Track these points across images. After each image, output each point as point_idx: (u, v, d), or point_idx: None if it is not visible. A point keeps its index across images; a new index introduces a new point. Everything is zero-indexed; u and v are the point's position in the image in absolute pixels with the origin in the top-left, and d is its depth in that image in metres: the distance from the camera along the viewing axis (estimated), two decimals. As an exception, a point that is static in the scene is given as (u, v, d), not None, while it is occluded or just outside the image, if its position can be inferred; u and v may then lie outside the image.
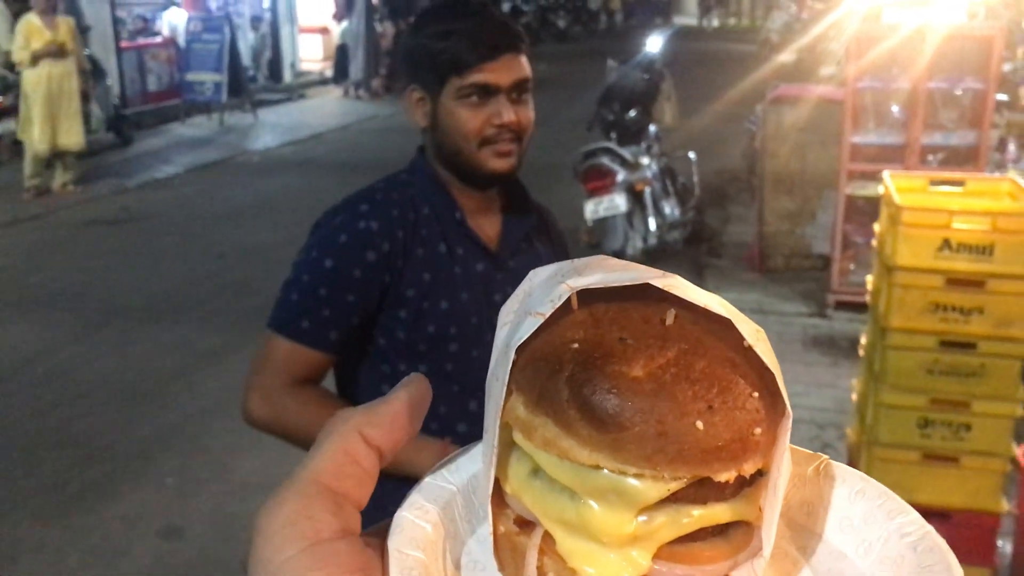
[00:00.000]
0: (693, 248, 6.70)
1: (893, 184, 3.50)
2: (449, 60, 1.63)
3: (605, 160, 6.16)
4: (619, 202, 6.00)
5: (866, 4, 5.60)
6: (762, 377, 0.39)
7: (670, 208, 6.56)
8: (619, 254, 5.97)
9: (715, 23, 23.56)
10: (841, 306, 5.38)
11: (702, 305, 0.38)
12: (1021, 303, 3.17)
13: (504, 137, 1.65)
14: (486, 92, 1.63)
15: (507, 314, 0.43)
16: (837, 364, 3.86)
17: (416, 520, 0.42)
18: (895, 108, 5.48)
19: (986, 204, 3.35)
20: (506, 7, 20.50)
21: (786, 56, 8.04)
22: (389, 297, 1.65)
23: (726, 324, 0.39)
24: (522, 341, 0.39)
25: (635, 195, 6.21)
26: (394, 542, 0.41)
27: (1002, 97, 5.57)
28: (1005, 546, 3.27)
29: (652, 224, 6.32)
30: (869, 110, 5.51)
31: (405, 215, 1.69)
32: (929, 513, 0.47)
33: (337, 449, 0.41)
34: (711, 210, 7.35)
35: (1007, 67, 5.64)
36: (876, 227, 3.56)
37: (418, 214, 1.70)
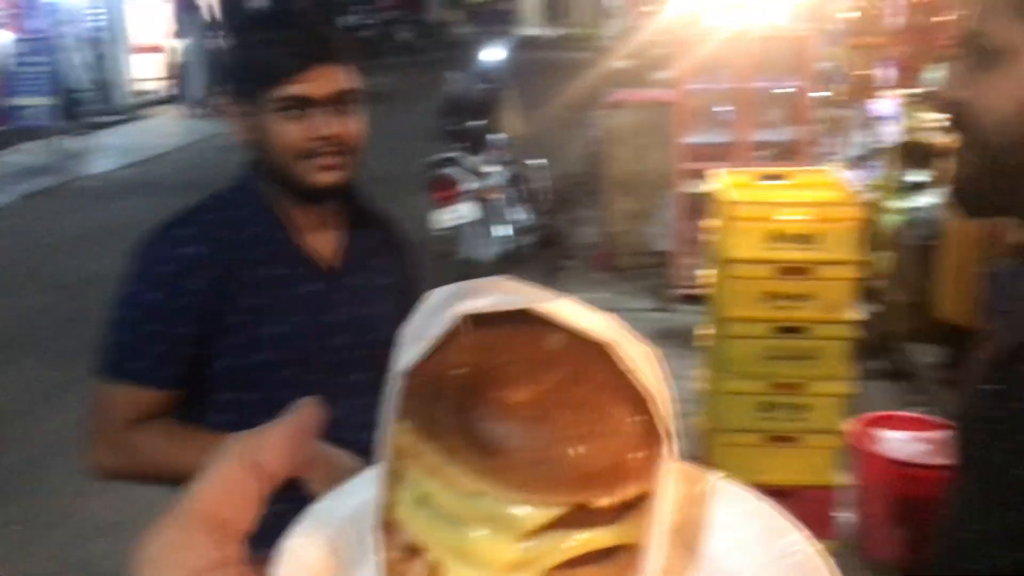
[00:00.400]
0: (546, 252, 6.82)
1: (723, 181, 3.66)
2: (263, 72, 1.57)
3: (450, 170, 6.20)
4: (466, 211, 6.05)
5: (688, 8, 5.85)
6: (644, 401, 0.39)
7: (521, 214, 6.66)
8: (471, 262, 6.02)
9: (557, 32, 24.02)
10: (684, 299, 5.59)
11: (584, 327, 0.39)
12: (844, 287, 3.37)
13: (327, 150, 1.59)
14: (304, 104, 1.57)
15: (402, 337, 0.43)
16: (683, 355, 4.01)
17: (302, 548, 0.42)
18: (723, 108, 5.74)
19: (809, 195, 3.54)
20: (350, 20, 20.31)
21: (622, 62, 8.30)
22: (221, 324, 1.60)
23: (607, 348, 0.39)
24: (410, 367, 0.39)
25: (485, 203, 6.28)
26: (277, 571, 0.40)
27: (822, 94, 5.90)
28: (845, 517, 3.47)
29: (503, 231, 6.40)
30: (699, 111, 5.75)
31: (231, 237, 1.62)
32: (772, 491, 0.48)
33: (220, 476, 0.41)
34: (562, 214, 7.50)
35: (824, 65, 5.98)
36: (709, 223, 3.72)
37: (243, 235, 1.64)
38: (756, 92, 5.66)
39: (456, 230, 6.13)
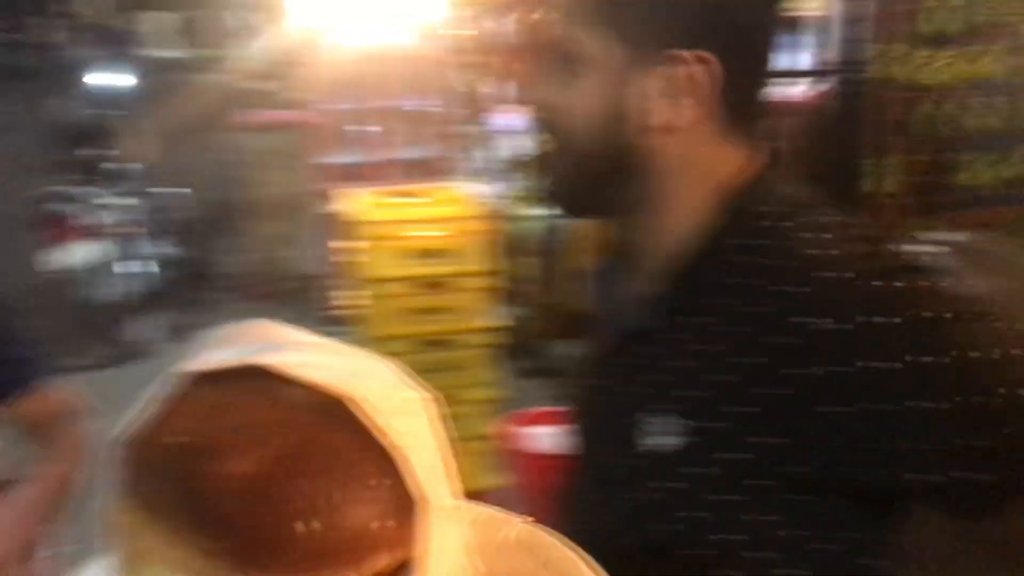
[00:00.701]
0: (193, 285, 6.47)
1: (359, 201, 3.67)
2: None
3: (63, 205, 5.68)
4: (85, 250, 5.58)
5: (318, 26, 5.80)
6: (383, 461, 0.35)
7: (162, 248, 6.26)
8: (95, 305, 5.54)
9: (192, 53, 23.03)
10: (332, 321, 5.55)
11: (321, 384, 0.34)
12: (481, 297, 3.49)
13: None
14: None
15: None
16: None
17: None
18: (359, 127, 5.76)
19: (440, 211, 3.64)
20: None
21: (259, 83, 8.10)
22: None
23: (345, 402, 0.34)
24: (130, 435, 0.34)
25: (113, 239, 5.82)
26: None
27: (454, 111, 6.09)
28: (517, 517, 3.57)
29: (135, 267, 5.98)
30: (335, 131, 5.73)
31: None
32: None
33: None
34: (208, 244, 7.17)
35: (455, 83, 6.19)
36: (349, 244, 3.70)
37: None
38: (391, 111, 5.74)
39: (74, 271, 5.61)
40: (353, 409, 0.35)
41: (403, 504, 0.35)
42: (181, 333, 5.23)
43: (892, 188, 1.98)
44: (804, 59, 2.38)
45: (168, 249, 6.32)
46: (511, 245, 4.61)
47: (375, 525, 0.34)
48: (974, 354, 0.72)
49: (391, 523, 0.35)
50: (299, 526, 0.33)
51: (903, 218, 2.04)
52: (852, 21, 2.11)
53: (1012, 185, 2.08)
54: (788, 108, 2.34)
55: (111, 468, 0.35)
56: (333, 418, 0.35)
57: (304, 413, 0.35)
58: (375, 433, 0.35)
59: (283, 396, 0.35)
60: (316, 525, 0.33)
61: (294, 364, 0.34)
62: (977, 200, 2.06)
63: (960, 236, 1.90)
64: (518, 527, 0.45)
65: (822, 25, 2.28)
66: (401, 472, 0.35)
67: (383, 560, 0.35)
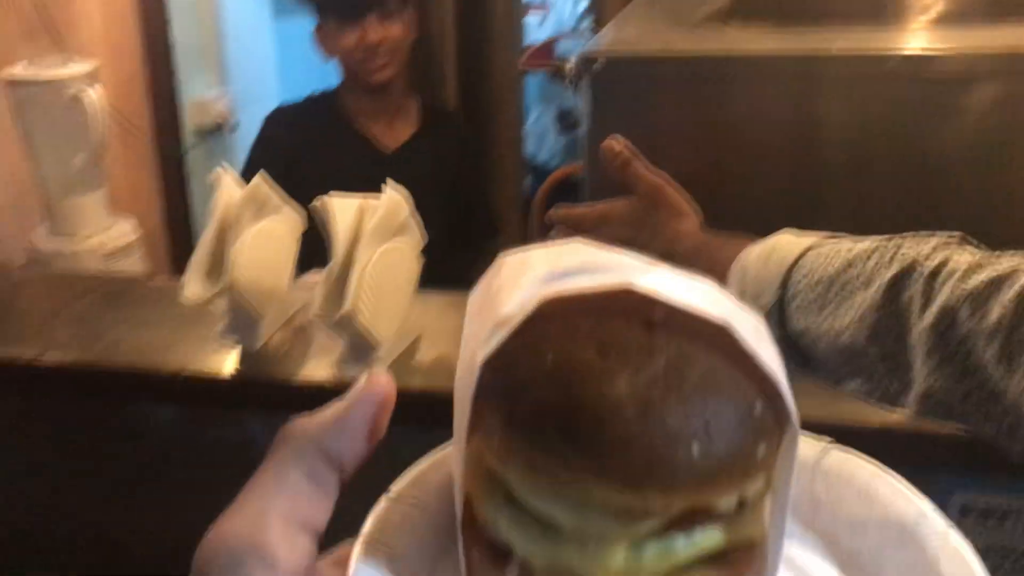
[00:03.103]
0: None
1: None
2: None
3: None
4: None
5: None
6: (762, 386, 0.34)
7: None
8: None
9: None
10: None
11: (694, 307, 0.33)
12: None
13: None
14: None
15: (476, 302, 0.38)
16: None
17: (378, 547, 0.38)
18: None
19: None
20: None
21: None
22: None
23: (717, 327, 0.33)
24: (489, 354, 0.33)
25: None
26: (354, 569, 0.36)
27: None
28: None
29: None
30: None
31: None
32: None
33: (293, 473, 0.36)
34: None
35: None
36: None
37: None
38: None
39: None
40: (729, 336, 0.33)
41: (773, 429, 0.35)
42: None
43: None
44: None
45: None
46: None
47: (754, 449, 0.34)
48: None
49: (765, 448, 0.34)
50: (689, 448, 0.32)
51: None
52: None
53: None
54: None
55: (468, 383, 0.35)
56: (704, 341, 0.34)
57: (670, 335, 0.34)
58: (752, 358, 0.34)
59: (653, 318, 0.35)
60: (703, 447, 0.32)
61: (661, 288, 0.34)
62: None
63: None
64: (825, 449, 0.44)
65: None
66: (773, 395, 0.34)
67: (755, 485, 0.35)
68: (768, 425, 0.34)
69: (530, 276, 0.36)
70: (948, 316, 0.74)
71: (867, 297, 0.81)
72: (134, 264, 2.54)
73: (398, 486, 0.42)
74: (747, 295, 0.96)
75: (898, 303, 0.79)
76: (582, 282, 0.35)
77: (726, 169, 1.34)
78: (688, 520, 0.34)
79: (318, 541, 0.37)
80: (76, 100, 2.29)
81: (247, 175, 1.78)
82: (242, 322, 1.25)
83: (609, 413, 0.32)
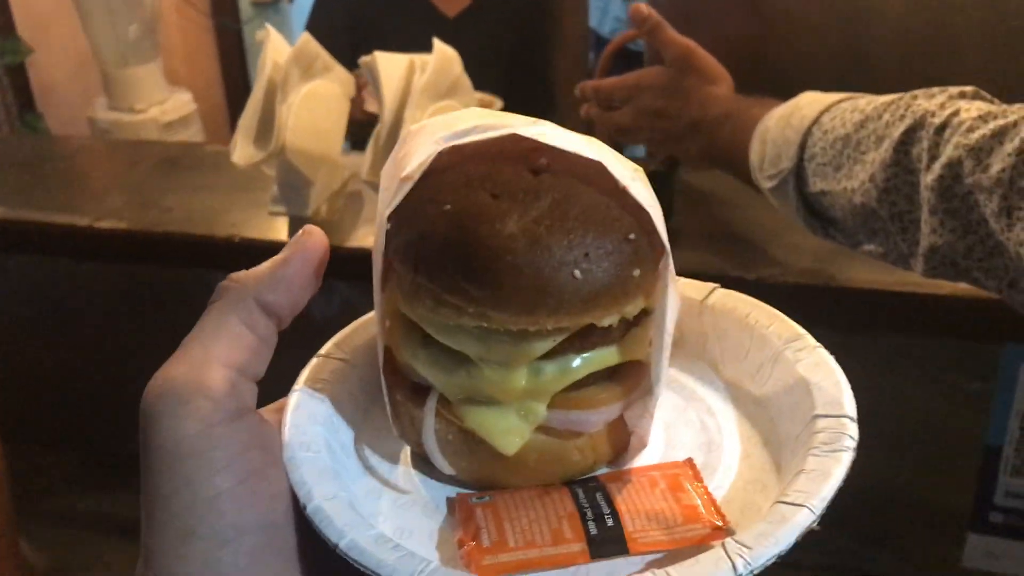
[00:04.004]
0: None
1: None
2: None
3: None
4: None
5: None
6: (639, 217, 0.38)
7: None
8: None
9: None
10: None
11: (572, 150, 0.37)
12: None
13: None
14: None
15: (386, 177, 0.42)
16: None
17: (312, 395, 0.42)
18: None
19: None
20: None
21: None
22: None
23: (597, 168, 0.38)
24: (393, 208, 0.37)
25: None
26: (291, 418, 0.40)
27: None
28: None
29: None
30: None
31: None
32: None
33: (231, 321, 0.38)
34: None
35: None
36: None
37: None
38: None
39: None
40: (603, 172, 0.38)
41: (648, 258, 0.39)
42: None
43: None
44: None
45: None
46: None
47: (630, 274, 0.38)
48: None
49: (640, 273, 0.38)
50: (573, 273, 0.36)
51: None
52: None
53: None
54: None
55: (380, 241, 0.38)
56: (583, 182, 0.39)
57: (553, 179, 0.39)
58: (624, 194, 0.38)
59: (539, 163, 0.39)
60: (585, 273, 0.37)
61: (540, 135, 0.37)
62: None
63: None
64: (711, 290, 0.48)
65: None
66: (649, 228, 0.38)
67: (635, 306, 0.39)
68: (643, 252, 0.38)
69: (428, 139, 0.39)
70: (952, 170, 0.74)
71: (879, 155, 0.81)
72: (193, 136, 2.53)
73: (327, 347, 0.45)
74: (767, 158, 0.95)
75: (908, 159, 0.79)
76: (474, 135, 0.38)
77: (772, 40, 1.27)
78: (580, 341, 0.39)
79: (255, 385, 0.39)
80: (128, -31, 2.25)
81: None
82: (292, 189, 1.22)
83: (502, 248, 0.36)
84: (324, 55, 1.19)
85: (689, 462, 0.42)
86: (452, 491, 0.41)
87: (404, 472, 0.43)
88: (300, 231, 0.41)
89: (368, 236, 1.20)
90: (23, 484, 1.43)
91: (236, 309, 0.39)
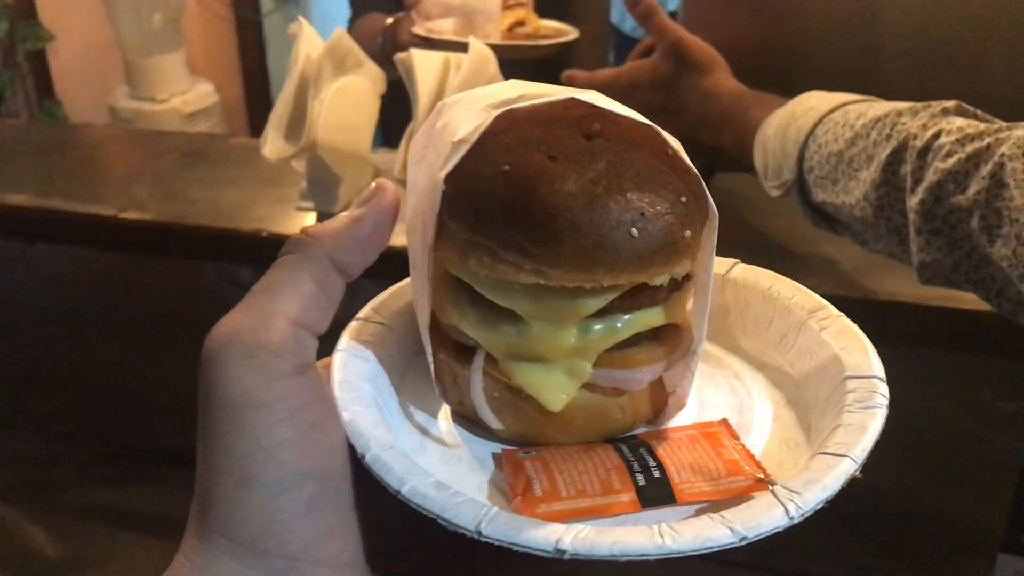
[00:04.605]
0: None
1: None
2: None
3: None
4: None
5: None
6: (686, 181, 0.39)
7: None
8: None
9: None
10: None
11: (623, 115, 0.39)
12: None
13: None
14: None
15: (419, 149, 0.43)
16: None
17: (356, 355, 0.43)
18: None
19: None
20: None
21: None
22: None
23: (647, 133, 0.39)
24: (449, 171, 0.38)
25: None
26: (341, 375, 0.41)
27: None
28: None
29: None
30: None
31: None
32: None
33: (303, 277, 0.39)
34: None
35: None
36: None
37: None
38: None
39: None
40: (655, 137, 0.39)
41: (697, 220, 0.40)
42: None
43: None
44: None
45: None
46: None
47: (681, 234, 0.38)
48: None
49: (690, 235, 0.39)
50: (628, 232, 0.37)
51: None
52: None
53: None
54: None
55: (431, 203, 0.38)
56: (635, 146, 0.39)
57: (615, 143, 0.39)
58: (675, 157, 0.39)
59: (592, 128, 0.40)
60: (641, 232, 0.37)
61: (596, 100, 0.39)
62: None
63: None
64: (732, 264, 0.50)
65: None
66: (697, 192, 0.39)
67: (682, 268, 0.40)
68: (692, 214, 0.39)
69: (475, 107, 0.40)
70: (932, 193, 0.77)
71: (869, 175, 0.84)
72: (213, 126, 2.53)
73: (364, 311, 0.46)
74: (770, 168, 0.97)
75: (896, 180, 0.82)
76: (529, 100, 0.39)
77: (782, 34, 1.25)
78: (628, 301, 0.40)
79: (317, 343, 0.39)
80: (153, -43, 2.24)
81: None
82: (320, 184, 1.21)
83: (560, 206, 0.37)
84: (356, 50, 1.18)
85: (724, 422, 0.43)
86: (496, 447, 0.42)
87: (448, 429, 0.44)
88: (373, 186, 0.41)
89: (399, 235, 1.18)
90: (40, 475, 1.43)
91: (309, 265, 0.39)
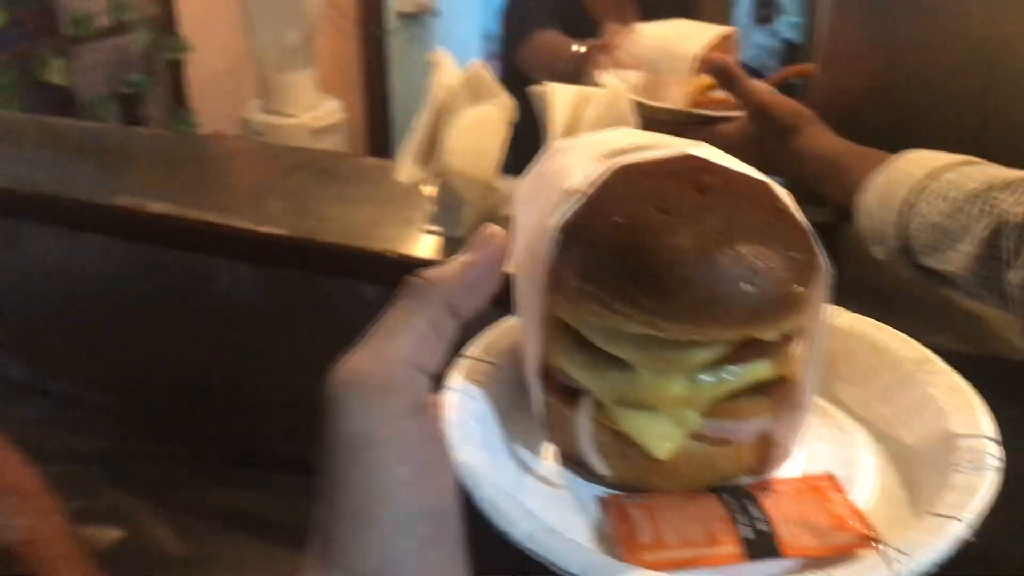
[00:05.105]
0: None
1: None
2: None
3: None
4: None
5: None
6: (798, 236, 0.40)
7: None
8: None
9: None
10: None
11: (735, 169, 0.40)
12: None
13: None
14: None
15: (528, 189, 0.44)
16: None
17: (467, 394, 0.44)
18: None
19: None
20: None
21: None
22: None
23: (759, 187, 0.40)
24: (563, 220, 0.39)
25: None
26: (453, 415, 0.42)
27: None
28: None
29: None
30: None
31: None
32: None
33: (419, 319, 0.40)
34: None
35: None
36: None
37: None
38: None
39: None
40: (763, 193, 0.40)
41: (808, 276, 0.40)
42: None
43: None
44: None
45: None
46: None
47: (794, 290, 0.39)
48: None
49: (802, 290, 0.39)
50: (741, 287, 0.37)
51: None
52: None
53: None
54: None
55: (542, 250, 0.39)
56: (748, 200, 0.40)
57: (727, 196, 0.40)
58: (786, 212, 0.40)
59: (705, 182, 0.40)
60: (754, 286, 0.37)
61: (711, 155, 0.40)
62: None
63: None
64: (831, 311, 0.48)
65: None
66: (808, 246, 0.40)
67: (793, 322, 0.40)
68: (804, 268, 0.39)
69: (587, 155, 0.41)
70: None
71: (969, 248, 0.84)
72: (338, 143, 2.60)
73: (472, 349, 0.47)
74: (875, 234, 0.98)
75: (996, 253, 0.82)
76: (641, 156, 0.40)
77: (899, 77, 1.22)
78: (739, 353, 0.40)
79: (433, 384, 0.40)
80: (293, -24, 2.33)
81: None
82: (448, 208, 1.24)
83: (673, 260, 0.38)
84: (490, 80, 1.20)
85: (830, 475, 0.43)
86: (600, 490, 0.43)
87: (552, 469, 0.44)
88: (483, 230, 0.42)
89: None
90: (158, 473, 1.49)
91: (425, 308, 0.40)
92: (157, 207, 1.38)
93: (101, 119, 2.60)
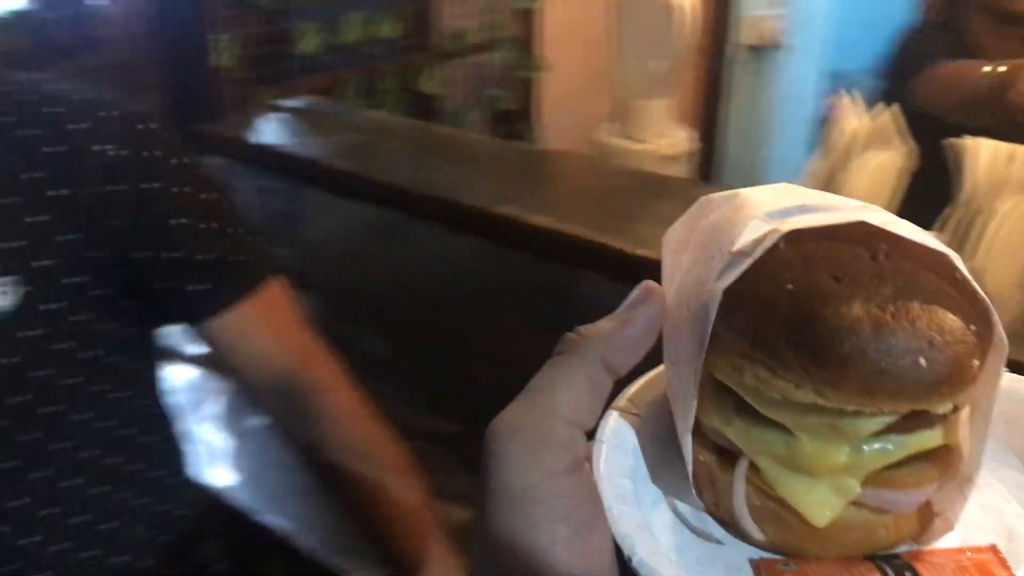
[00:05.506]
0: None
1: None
2: None
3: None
4: None
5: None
6: (975, 307, 0.39)
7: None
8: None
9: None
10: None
11: (914, 239, 0.39)
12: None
13: None
14: None
15: (679, 239, 0.44)
16: None
17: (617, 448, 0.44)
18: None
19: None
20: None
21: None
22: None
23: (936, 256, 0.39)
24: (733, 285, 0.39)
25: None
26: (604, 470, 0.42)
27: None
28: None
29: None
30: None
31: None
32: None
33: (578, 376, 0.40)
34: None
35: None
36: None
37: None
38: None
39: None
40: (947, 263, 0.38)
41: (984, 348, 0.38)
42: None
43: (230, 62, 2.15)
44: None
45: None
46: None
47: (969, 364, 0.37)
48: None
49: (978, 365, 0.38)
50: (916, 361, 0.36)
51: (245, 89, 2.22)
52: None
53: (338, 50, 2.41)
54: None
55: (703, 310, 0.39)
56: (925, 270, 0.38)
57: (903, 265, 0.38)
58: (965, 283, 0.38)
59: (879, 248, 0.39)
60: (929, 360, 0.36)
61: (887, 223, 0.39)
62: (311, 67, 2.36)
63: (299, 102, 2.20)
64: (1007, 375, 0.44)
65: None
66: (986, 319, 0.38)
67: (970, 395, 0.39)
68: (981, 342, 0.38)
69: (750, 214, 0.40)
70: None
71: None
72: (681, 171, 2.64)
73: (621, 401, 0.46)
74: None
75: None
76: (810, 219, 0.39)
77: None
78: (905, 423, 0.38)
79: (586, 438, 0.40)
80: (666, 6, 2.39)
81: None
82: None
83: (846, 330, 0.36)
84: (893, 129, 1.19)
85: (993, 548, 0.41)
86: (750, 551, 0.42)
87: (702, 529, 0.44)
88: (640, 290, 0.42)
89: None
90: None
91: (583, 365, 0.40)
92: (539, 220, 1.48)
93: (462, 127, 2.80)
